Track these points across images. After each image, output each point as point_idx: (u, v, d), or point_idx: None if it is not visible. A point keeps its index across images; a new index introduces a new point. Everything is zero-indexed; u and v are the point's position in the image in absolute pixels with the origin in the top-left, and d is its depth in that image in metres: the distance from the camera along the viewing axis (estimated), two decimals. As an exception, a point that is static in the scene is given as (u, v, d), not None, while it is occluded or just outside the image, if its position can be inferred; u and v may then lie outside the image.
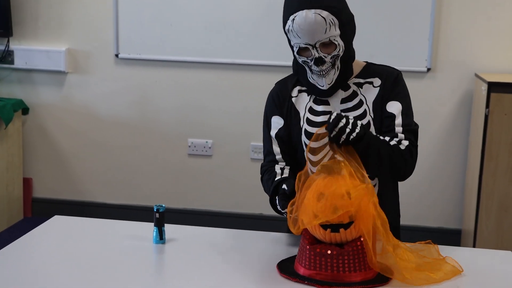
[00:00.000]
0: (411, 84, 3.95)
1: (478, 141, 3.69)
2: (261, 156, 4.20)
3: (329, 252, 1.73)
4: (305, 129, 2.10)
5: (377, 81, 2.10)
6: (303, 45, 2.00)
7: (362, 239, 1.74)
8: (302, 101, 2.15)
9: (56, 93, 4.34)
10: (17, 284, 1.75)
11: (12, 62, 4.29)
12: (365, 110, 2.07)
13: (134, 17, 4.14)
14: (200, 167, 4.30)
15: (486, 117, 3.56)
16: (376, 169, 1.95)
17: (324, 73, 2.03)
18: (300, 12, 1.96)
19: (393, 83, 2.09)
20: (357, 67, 2.13)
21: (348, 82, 2.10)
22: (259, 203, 4.18)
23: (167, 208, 4.35)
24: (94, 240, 2.07)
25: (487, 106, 3.55)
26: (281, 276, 1.79)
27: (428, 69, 3.96)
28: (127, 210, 4.34)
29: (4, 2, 4.14)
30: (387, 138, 2.01)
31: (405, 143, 2.02)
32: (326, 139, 1.91)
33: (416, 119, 3.63)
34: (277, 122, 2.17)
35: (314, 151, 2.02)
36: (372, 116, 2.07)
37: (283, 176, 2.08)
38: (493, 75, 3.78)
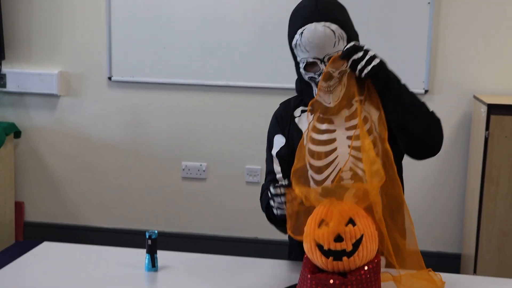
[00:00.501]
0: (409, 106, 3.94)
1: (477, 164, 3.63)
2: (256, 179, 4.13)
3: (331, 281, 1.65)
4: (308, 148, 2.01)
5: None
6: (311, 60, 1.95)
7: (366, 268, 1.66)
8: (305, 121, 2.08)
9: (49, 116, 4.27)
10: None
11: (4, 86, 4.23)
12: (370, 126, 1.99)
13: (127, 40, 4.09)
14: (194, 190, 4.23)
15: (486, 139, 3.51)
16: (399, 114, 1.90)
17: (331, 89, 1.96)
18: (309, 25, 1.92)
19: None
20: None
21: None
22: (254, 227, 4.11)
23: (160, 231, 4.28)
24: (84, 267, 2.00)
25: (487, 128, 3.49)
26: (282, 306, 1.72)
27: (426, 91, 3.92)
28: (120, 234, 4.26)
29: (-4, 25, 4.09)
30: None
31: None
32: (341, 68, 1.93)
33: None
34: (279, 141, 2.11)
35: (319, 170, 1.95)
36: (378, 134, 1.98)
37: None
38: (492, 96, 3.73)
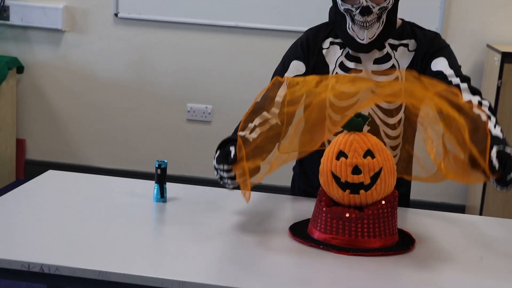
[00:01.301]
0: (421, 53, 3.87)
1: (488, 114, 3.57)
2: (262, 123, 4.07)
3: (347, 215, 1.60)
4: (332, 85, 1.90)
5: (412, 44, 1.97)
6: None
7: (383, 203, 1.61)
8: (334, 54, 2.00)
9: (53, 51, 4.19)
10: (6, 238, 1.63)
11: (7, 18, 4.12)
12: (397, 76, 1.94)
13: (135, -25, 3.99)
14: (199, 133, 4.18)
15: (498, 88, 3.45)
16: None
17: (368, 24, 1.88)
18: None
19: (430, 42, 1.95)
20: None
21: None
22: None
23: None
24: (91, 196, 1.96)
25: (500, 77, 3.43)
26: (293, 239, 1.67)
27: (439, 38, 3.83)
28: (123, 174, 4.21)
29: (0, -45, 3.98)
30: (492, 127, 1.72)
31: (484, 101, 1.85)
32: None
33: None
34: (296, 68, 1.99)
35: (338, 110, 1.86)
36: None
37: (252, 132, 1.84)
38: (506, 46, 3.66)
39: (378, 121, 1.94)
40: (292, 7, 3.84)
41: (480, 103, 1.83)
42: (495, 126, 1.74)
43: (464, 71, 3.79)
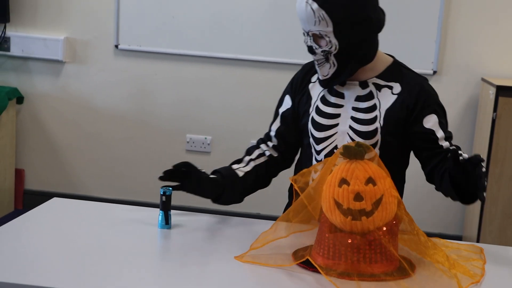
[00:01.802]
0: (416, 86, 3.93)
1: (483, 146, 3.62)
2: (260, 154, 4.11)
3: (349, 241, 1.64)
4: (312, 117, 2.07)
5: (397, 88, 2.02)
6: (302, 30, 1.99)
7: (384, 229, 1.65)
8: (318, 88, 2.10)
9: (53, 82, 4.23)
10: (10, 265, 1.64)
11: (8, 49, 4.18)
12: (375, 116, 2.00)
13: (136, 8, 4.05)
14: (198, 164, 4.17)
15: (493, 121, 3.50)
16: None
17: (318, 63, 2.00)
18: None
19: (419, 95, 2.00)
20: (381, 65, 2.05)
21: (368, 80, 2.03)
22: (257, 203, 4.07)
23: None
24: (96, 224, 1.97)
25: (495, 110, 3.49)
26: (297, 265, 1.70)
27: (434, 72, 3.90)
28: (124, 205, 4.23)
29: (3, -13, 4.04)
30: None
31: (465, 155, 1.88)
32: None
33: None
34: (287, 102, 2.16)
35: (317, 140, 2.05)
36: (381, 124, 1.99)
37: (246, 165, 2.17)
38: (500, 79, 3.72)
39: None
40: (290, 40, 3.90)
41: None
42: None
43: (459, 104, 3.91)
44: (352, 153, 1.67)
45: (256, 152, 2.18)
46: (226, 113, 4.12)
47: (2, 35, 4.15)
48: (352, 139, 2.00)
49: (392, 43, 3.84)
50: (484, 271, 1.72)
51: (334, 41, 1.93)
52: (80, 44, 4.17)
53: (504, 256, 1.91)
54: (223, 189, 2.04)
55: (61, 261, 1.67)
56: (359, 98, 2.02)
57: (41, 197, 4.31)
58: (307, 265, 1.68)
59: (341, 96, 2.04)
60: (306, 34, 1.97)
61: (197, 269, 1.68)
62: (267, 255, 1.74)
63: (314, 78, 2.12)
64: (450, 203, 4.03)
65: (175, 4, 4.01)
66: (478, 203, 3.61)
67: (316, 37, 1.95)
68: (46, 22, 4.17)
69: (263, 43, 3.98)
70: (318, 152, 2.06)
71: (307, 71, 2.15)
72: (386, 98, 2.01)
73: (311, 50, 1.97)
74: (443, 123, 2.02)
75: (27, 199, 4.36)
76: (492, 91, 3.54)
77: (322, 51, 1.95)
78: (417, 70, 3.78)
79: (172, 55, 4.09)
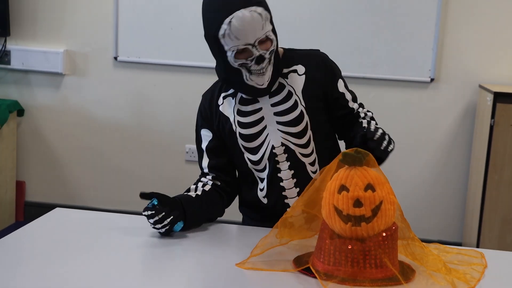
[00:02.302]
0: (414, 94, 3.96)
1: (481, 153, 3.64)
2: (260, 163, 4.13)
3: (349, 247, 1.65)
4: (239, 133, 2.08)
5: (301, 69, 2.08)
6: (242, 47, 1.92)
7: (384, 235, 1.66)
8: (229, 106, 2.11)
9: (53, 95, 4.26)
10: (12, 276, 1.66)
11: (8, 63, 4.21)
12: (295, 100, 2.05)
13: (134, 20, 4.08)
14: (198, 174, 4.21)
15: (491, 127, 3.52)
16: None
17: (263, 71, 1.98)
18: (236, 13, 1.88)
19: (323, 65, 2.10)
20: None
21: None
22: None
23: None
24: (99, 233, 1.99)
25: (493, 116, 3.51)
26: (298, 272, 1.71)
27: (432, 79, 3.92)
28: (126, 214, 4.24)
29: (2, 1, 4.07)
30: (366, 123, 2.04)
31: (369, 113, 2.13)
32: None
33: (418, 128, 3.63)
34: (206, 135, 2.15)
35: (253, 150, 2.08)
36: (305, 105, 2.05)
37: (195, 191, 2.12)
38: (497, 86, 3.74)
39: (292, 146, 2.06)
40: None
41: (365, 115, 2.12)
42: (368, 123, 2.03)
43: (457, 111, 3.94)
44: (351, 159, 1.69)
45: (199, 185, 2.15)
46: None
47: (3, 48, 4.18)
48: (284, 132, 2.05)
49: (389, 51, 3.90)
50: (481, 275, 1.73)
51: (273, 37, 1.98)
52: (80, 56, 4.20)
53: (505, 260, 1.93)
54: (183, 205, 2.01)
55: (65, 272, 1.69)
56: (272, 94, 2.06)
57: (42, 208, 4.32)
58: (308, 272, 1.69)
59: (255, 101, 2.06)
60: (252, 47, 1.92)
61: (198, 277, 1.69)
62: (268, 261, 1.76)
63: (220, 101, 2.12)
64: (450, 210, 4.07)
65: (173, 15, 4.04)
66: (477, 210, 3.63)
67: (262, 43, 1.94)
68: (46, 35, 4.20)
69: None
70: (257, 162, 2.09)
71: (209, 98, 2.15)
72: (296, 82, 2.07)
73: (261, 59, 1.94)
74: (346, 85, 2.13)
75: (28, 211, 4.37)
76: (489, 98, 3.56)
77: (269, 53, 1.96)
78: (415, 77, 3.90)
79: (171, 66, 4.11)
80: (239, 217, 4.19)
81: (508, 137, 3.51)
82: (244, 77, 1.98)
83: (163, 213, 1.92)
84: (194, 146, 4.16)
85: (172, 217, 1.92)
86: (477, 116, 3.86)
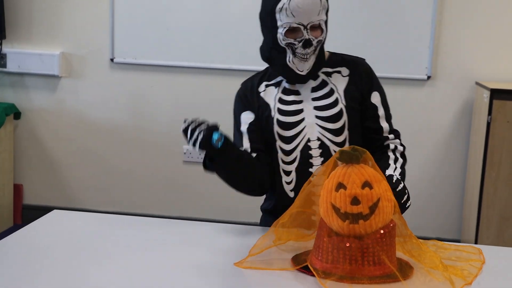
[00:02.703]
0: (411, 92, 3.96)
1: (479, 150, 3.64)
2: (258, 163, 4.12)
3: (347, 244, 1.65)
4: (277, 119, 2.10)
5: (345, 71, 2.13)
6: (295, 25, 1.99)
7: (382, 232, 1.66)
8: (271, 94, 2.14)
9: (49, 97, 4.25)
10: (12, 277, 1.66)
11: (4, 66, 4.20)
12: (336, 98, 2.09)
13: (130, 21, 4.08)
14: (196, 174, 4.22)
15: (488, 124, 3.52)
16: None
17: (307, 57, 2.03)
18: None
19: (367, 73, 2.14)
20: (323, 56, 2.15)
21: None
22: (257, 212, 4.08)
23: (161, 216, 4.27)
24: (97, 235, 1.98)
25: (489, 113, 3.51)
26: (296, 270, 1.71)
27: (428, 77, 3.93)
28: (123, 215, 4.24)
29: (-2, 4, 4.06)
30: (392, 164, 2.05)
31: (399, 148, 2.12)
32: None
33: (416, 126, 3.62)
34: (247, 117, 2.16)
35: (288, 140, 2.09)
36: (345, 104, 2.09)
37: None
38: (494, 83, 3.75)
39: (327, 142, 2.07)
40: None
41: (395, 148, 2.11)
42: (394, 170, 2.04)
43: (454, 109, 3.94)
44: (348, 157, 1.69)
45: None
46: (223, 124, 4.12)
47: (-2, 51, 4.18)
48: (322, 127, 2.07)
49: (385, 49, 3.90)
50: (479, 271, 1.74)
51: (325, 29, 2.04)
52: (76, 58, 4.19)
53: (502, 256, 1.93)
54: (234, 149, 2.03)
55: (64, 275, 1.68)
56: (314, 89, 2.10)
57: (40, 211, 4.31)
58: (307, 270, 1.70)
59: (297, 93, 2.11)
60: (304, 28, 1.98)
61: (197, 277, 1.69)
62: (266, 260, 1.76)
63: (261, 88, 2.16)
64: (448, 208, 4.07)
65: (169, 16, 4.04)
66: (475, 207, 3.63)
67: (313, 29, 2.00)
68: (42, 38, 4.19)
69: (257, 52, 3.99)
70: (288, 153, 2.10)
71: (250, 86, 2.19)
72: (339, 81, 2.11)
73: (308, 43, 1.99)
74: (384, 101, 2.15)
75: (26, 214, 4.37)
76: (486, 95, 3.57)
77: (317, 42, 2.01)
78: (411, 75, 3.90)
79: (167, 67, 4.11)
80: (237, 217, 4.20)
81: (505, 134, 3.51)
82: (287, 58, 2.04)
83: (201, 122, 1.95)
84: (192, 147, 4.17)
85: (209, 124, 1.94)
86: (474, 113, 3.87)
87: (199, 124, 1.94)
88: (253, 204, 4.10)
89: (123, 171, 4.27)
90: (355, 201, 1.65)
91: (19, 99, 4.26)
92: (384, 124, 2.13)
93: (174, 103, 4.16)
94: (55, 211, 2.19)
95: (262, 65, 3.96)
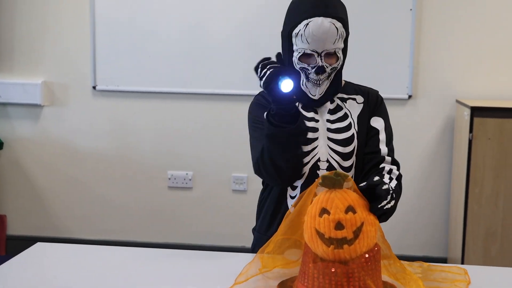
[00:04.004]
0: (393, 112, 3.95)
1: (462, 167, 3.67)
2: (242, 187, 4.13)
3: (333, 270, 1.65)
4: None
5: (360, 98, 2.15)
6: (309, 52, 2.00)
7: (367, 256, 1.67)
8: None
9: (32, 126, 4.24)
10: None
11: (-14, 96, 4.20)
12: (350, 123, 2.10)
13: (112, 48, 4.09)
14: (181, 199, 4.22)
15: (470, 142, 3.55)
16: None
17: (320, 82, 2.04)
18: (316, 18, 1.97)
19: (376, 101, 2.16)
20: (340, 83, 2.16)
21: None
22: (242, 235, 4.09)
23: (146, 242, 4.24)
24: (81, 267, 1.97)
25: (471, 131, 3.54)
26: (282, 297, 1.71)
27: (410, 96, 3.96)
28: (106, 245, 4.21)
29: (-22, 35, 4.06)
30: (385, 171, 2.03)
31: (395, 173, 2.06)
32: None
33: (398, 145, 3.63)
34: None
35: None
36: (357, 130, 2.10)
37: None
38: (474, 100, 3.78)
39: (335, 165, 2.07)
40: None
41: (390, 170, 2.07)
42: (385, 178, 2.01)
43: (435, 127, 3.96)
44: (331, 182, 1.69)
45: None
46: (206, 148, 4.15)
47: (-21, 82, 4.16)
48: (333, 149, 2.07)
49: (367, 70, 3.93)
50: None
51: (341, 57, 2.05)
52: (58, 87, 4.19)
53: (487, 276, 1.94)
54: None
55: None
56: (330, 111, 2.11)
57: (25, 242, 4.28)
58: (293, 296, 1.70)
59: (315, 111, 2.11)
60: (318, 56, 1.99)
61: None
62: (252, 288, 1.76)
63: None
64: (434, 226, 4.09)
65: (150, 42, 4.05)
66: (460, 224, 3.65)
67: (328, 56, 2.01)
68: (23, 67, 4.19)
69: (237, 76, 4.03)
70: None
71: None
72: (354, 108, 2.13)
73: (322, 70, 2.00)
74: (387, 128, 2.13)
75: (10, 245, 4.33)
76: (467, 112, 3.60)
77: (331, 69, 2.03)
78: (393, 95, 3.92)
79: (149, 93, 4.12)
80: (223, 241, 4.19)
81: (487, 151, 3.54)
82: (301, 82, 2.05)
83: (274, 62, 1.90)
84: (176, 172, 4.18)
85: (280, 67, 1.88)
86: (456, 131, 3.90)
87: (272, 64, 1.90)
88: (240, 229, 4.11)
89: (109, 198, 4.25)
90: (339, 226, 1.65)
91: (1, 129, 4.24)
92: (383, 148, 2.11)
93: (157, 129, 4.16)
94: (38, 243, 2.17)
95: (244, 89, 4.01)
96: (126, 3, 4.05)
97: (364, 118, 2.11)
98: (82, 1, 4.09)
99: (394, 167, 2.08)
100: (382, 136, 2.12)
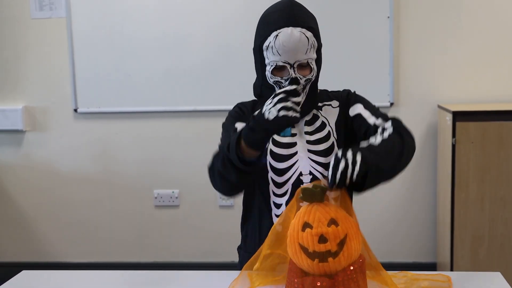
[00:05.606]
0: (375, 120, 3.99)
1: (447, 172, 3.68)
2: (229, 202, 4.12)
3: (318, 284, 1.64)
4: (271, 150, 2.07)
5: (335, 103, 2.11)
6: (281, 63, 1.96)
7: (352, 268, 1.66)
8: None
9: (15, 152, 4.22)
10: None
11: (-33, 123, 4.17)
12: (329, 131, 2.07)
13: (91, 70, 4.08)
14: (168, 217, 4.20)
15: (453, 146, 3.56)
16: (390, 177, 1.91)
17: None
18: (285, 29, 1.93)
19: (348, 97, 2.11)
20: None
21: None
22: (230, 251, 4.07)
23: (135, 262, 4.22)
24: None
25: (454, 135, 3.55)
26: (269, 313, 1.70)
27: (391, 104, 3.97)
28: (95, 267, 4.19)
29: (-43, 63, 4.04)
30: (372, 140, 1.90)
31: (389, 128, 1.96)
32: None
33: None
34: (241, 126, 2.04)
35: (280, 172, 2.04)
36: (336, 138, 2.07)
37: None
38: (455, 105, 3.80)
39: (319, 176, 2.03)
40: (246, 87, 3.92)
41: (383, 130, 1.97)
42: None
43: (418, 133, 3.99)
44: (310, 195, 1.69)
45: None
46: (191, 165, 4.14)
47: (-40, 110, 4.14)
48: (314, 161, 2.04)
49: (347, 79, 3.94)
50: None
51: (315, 68, 2.00)
52: (39, 111, 4.17)
53: (472, 282, 1.93)
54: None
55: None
56: (307, 123, 2.07)
57: (10, 268, 4.24)
58: (280, 312, 1.69)
59: (292, 126, 2.06)
60: (290, 67, 1.95)
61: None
62: (239, 306, 1.75)
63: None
64: (421, 231, 4.09)
65: (130, 63, 4.05)
66: (448, 229, 3.66)
67: (301, 67, 1.97)
68: (3, 93, 4.17)
69: (219, 92, 4.03)
70: (280, 185, 2.06)
71: (250, 106, 2.14)
72: (330, 114, 2.09)
73: (295, 81, 1.96)
74: (367, 106, 2.07)
75: (-1, 272, 4.29)
76: (449, 117, 3.61)
77: (305, 81, 1.98)
78: (375, 103, 3.87)
79: (131, 113, 4.11)
80: (211, 257, 4.17)
81: (471, 155, 3.55)
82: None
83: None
84: (162, 191, 4.16)
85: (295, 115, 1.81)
86: (439, 136, 3.91)
87: (296, 104, 1.81)
88: (227, 244, 4.09)
89: (95, 219, 4.23)
90: (322, 239, 1.64)
91: (-16, 156, 4.22)
92: (372, 119, 2.02)
93: (140, 148, 4.15)
94: (23, 272, 2.15)
95: (226, 105, 3.98)
96: (103, 24, 4.04)
97: (341, 122, 2.08)
98: (59, 24, 4.08)
99: (387, 123, 1.99)
100: (366, 114, 2.05)
